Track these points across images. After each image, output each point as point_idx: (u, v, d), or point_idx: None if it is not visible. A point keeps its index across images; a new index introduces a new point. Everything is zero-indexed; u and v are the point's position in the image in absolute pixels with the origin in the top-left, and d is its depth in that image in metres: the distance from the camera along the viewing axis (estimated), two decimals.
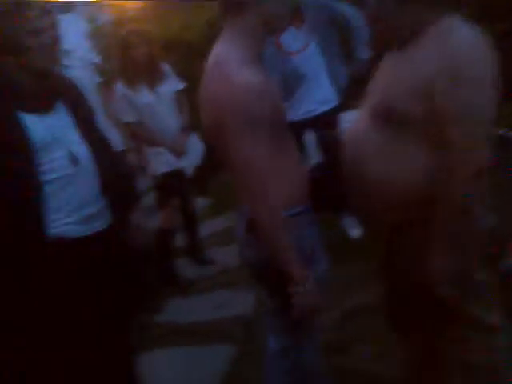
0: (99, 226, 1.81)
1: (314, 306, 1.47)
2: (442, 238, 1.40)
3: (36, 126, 1.62)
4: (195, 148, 3.27)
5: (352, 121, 3.77)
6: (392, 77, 1.50)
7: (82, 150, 1.76)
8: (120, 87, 3.19)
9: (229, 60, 1.36)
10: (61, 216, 1.67)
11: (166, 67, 3.32)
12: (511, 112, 2.79)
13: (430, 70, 1.33)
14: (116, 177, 1.88)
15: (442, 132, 1.34)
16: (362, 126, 1.58)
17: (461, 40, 1.34)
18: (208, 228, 4.10)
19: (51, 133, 1.67)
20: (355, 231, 3.34)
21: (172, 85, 3.27)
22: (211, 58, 1.44)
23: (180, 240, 3.74)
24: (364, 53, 3.04)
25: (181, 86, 3.34)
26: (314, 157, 3.48)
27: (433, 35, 1.39)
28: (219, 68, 1.37)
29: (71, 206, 1.70)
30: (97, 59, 7.43)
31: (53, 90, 1.74)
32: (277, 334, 1.73)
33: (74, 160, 1.71)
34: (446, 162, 1.35)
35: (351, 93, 3.71)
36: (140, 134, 3.25)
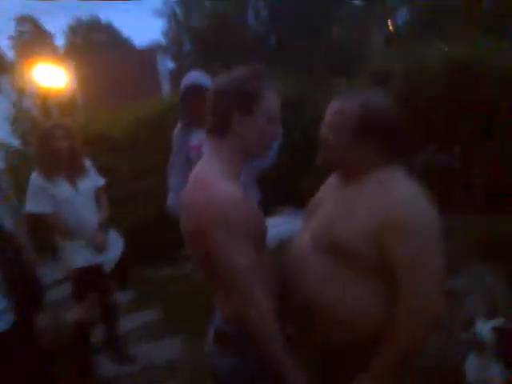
0: (0, 327, 1.75)
1: None
2: (376, 373, 1.40)
3: None
4: (115, 243, 3.25)
5: (276, 226, 3.97)
6: (339, 213, 1.50)
7: None
8: (35, 177, 3.06)
9: (211, 173, 1.39)
10: None
11: (87, 162, 3.32)
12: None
13: (375, 221, 1.36)
14: (20, 277, 1.83)
15: (392, 278, 1.36)
16: (304, 247, 1.56)
17: (406, 195, 1.39)
18: (130, 323, 3.95)
19: None
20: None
21: (92, 180, 3.27)
22: (195, 171, 1.47)
23: (100, 335, 3.58)
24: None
25: (101, 181, 3.32)
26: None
27: (375, 182, 1.44)
28: (202, 180, 1.40)
29: None
30: (16, 143, 7.36)
31: None
32: None
33: None
34: (395, 307, 1.35)
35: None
36: (55, 226, 3.17)
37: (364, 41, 15.90)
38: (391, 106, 1.52)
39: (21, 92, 8.21)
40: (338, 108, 1.49)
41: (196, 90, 2.94)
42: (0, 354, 1.71)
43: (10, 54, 47.60)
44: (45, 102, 6.03)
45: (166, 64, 21.34)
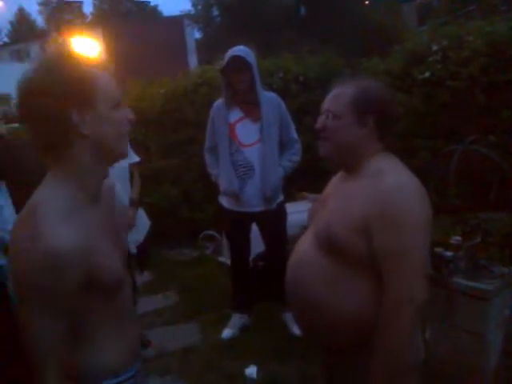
0: None
1: None
2: (378, 368, 1.38)
3: None
4: (142, 224, 3.27)
5: (293, 212, 3.96)
6: (335, 206, 1.52)
7: None
8: None
9: (43, 209, 1.07)
10: None
11: None
12: None
13: (365, 213, 1.38)
14: None
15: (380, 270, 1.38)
16: (307, 247, 1.57)
17: (393, 187, 1.38)
18: (147, 305, 3.97)
19: None
20: (296, 329, 3.08)
21: (128, 156, 3.27)
22: (29, 202, 1.12)
23: None
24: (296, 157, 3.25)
25: (136, 159, 3.34)
26: (258, 246, 3.61)
27: (369, 173, 1.44)
28: (29, 217, 1.08)
29: None
30: None
31: None
32: None
33: None
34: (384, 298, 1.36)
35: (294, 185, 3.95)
36: None
37: (396, 18, 15.46)
38: (389, 93, 1.55)
39: None
40: (336, 93, 1.51)
41: (240, 62, 2.93)
42: None
43: (39, 21, 48.18)
44: None
45: (194, 34, 21.14)
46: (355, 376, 1.47)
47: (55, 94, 1.05)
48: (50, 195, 1.11)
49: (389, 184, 1.38)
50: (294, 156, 3.21)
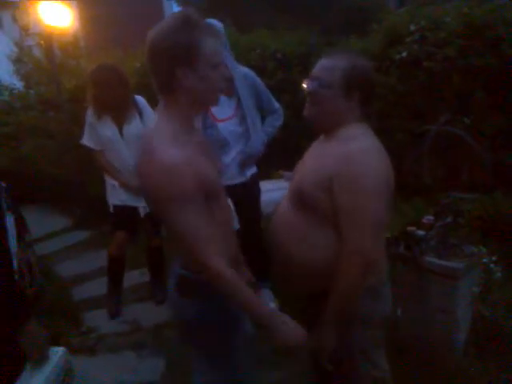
0: None
1: (293, 338, 1.47)
2: (333, 311, 1.57)
3: None
4: None
5: (270, 190, 3.98)
6: (308, 165, 1.70)
7: None
8: (89, 114, 3.32)
9: (157, 137, 1.42)
10: None
11: (142, 100, 3.40)
12: None
13: (330, 171, 1.52)
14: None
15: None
16: (284, 203, 1.74)
17: (357, 150, 1.53)
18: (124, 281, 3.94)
19: None
20: (271, 305, 3.27)
21: (140, 124, 3.29)
22: (146, 134, 1.52)
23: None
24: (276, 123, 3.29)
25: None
26: (234, 224, 3.61)
27: (342, 137, 1.60)
28: (148, 144, 1.43)
29: None
30: (18, 84, 7.18)
31: None
32: None
33: None
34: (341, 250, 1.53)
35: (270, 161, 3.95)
36: (99, 162, 3.39)
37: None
38: (372, 68, 1.69)
39: (24, 30, 7.95)
40: (329, 64, 1.63)
41: None
42: None
43: None
44: (49, 41, 5.81)
45: (173, 8, 20.68)
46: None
47: (166, 54, 1.38)
48: (160, 128, 1.44)
49: (353, 148, 1.54)
50: (276, 121, 3.25)
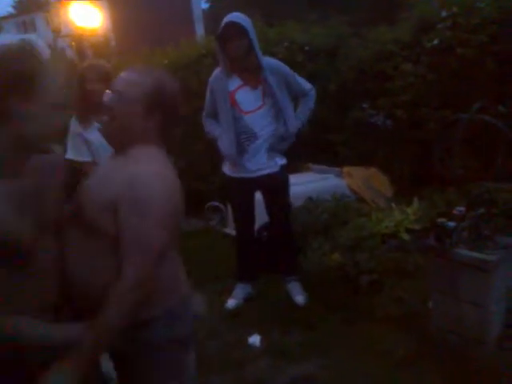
0: None
1: None
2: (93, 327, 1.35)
3: None
4: None
5: (305, 183, 3.91)
6: (91, 184, 1.54)
7: None
8: (73, 122, 3.01)
9: None
10: None
11: None
12: None
13: (114, 194, 1.39)
14: None
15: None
16: (67, 220, 1.55)
17: (141, 174, 1.41)
18: None
19: None
20: (300, 298, 3.24)
21: None
22: None
23: None
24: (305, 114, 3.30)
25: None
26: (262, 217, 3.62)
27: (129, 158, 1.47)
28: None
29: None
30: None
31: None
32: None
33: None
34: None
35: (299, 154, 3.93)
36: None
37: None
38: (178, 90, 1.58)
39: (56, 32, 8.15)
40: (133, 79, 1.51)
41: (234, 28, 2.86)
42: None
43: None
44: (80, 42, 5.94)
45: (201, 4, 20.79)
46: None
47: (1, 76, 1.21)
48: None
49: (136, 170, 1.41)
50: (308, 104, 3.23)
